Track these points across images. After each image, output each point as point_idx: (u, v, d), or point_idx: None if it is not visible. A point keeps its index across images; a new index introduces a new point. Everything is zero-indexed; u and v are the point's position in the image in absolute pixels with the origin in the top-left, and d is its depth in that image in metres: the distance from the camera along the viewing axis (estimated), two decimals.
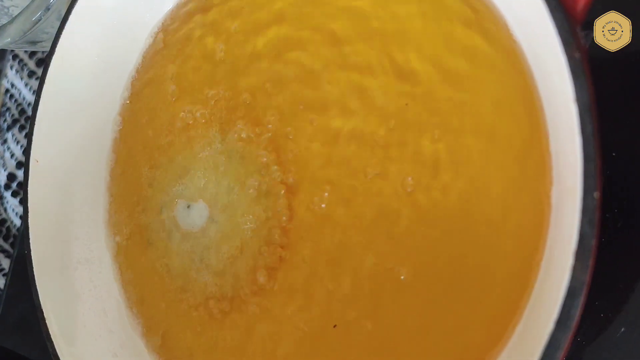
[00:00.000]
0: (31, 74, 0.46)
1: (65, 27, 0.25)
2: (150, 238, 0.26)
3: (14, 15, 0.35)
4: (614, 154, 0.25)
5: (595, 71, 0.17)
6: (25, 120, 0.46)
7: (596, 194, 0.16)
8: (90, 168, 0.27)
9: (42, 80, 0.26)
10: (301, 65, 0.24)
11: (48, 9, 0.27)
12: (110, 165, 0.28)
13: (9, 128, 0.47)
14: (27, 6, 0.27)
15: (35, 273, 0.25)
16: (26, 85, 0.46)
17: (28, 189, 0.26)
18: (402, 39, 0.21)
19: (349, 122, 0.21)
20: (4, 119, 0.48)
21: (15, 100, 0.47)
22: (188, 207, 0.25)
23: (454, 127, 0.20)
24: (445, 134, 0.20)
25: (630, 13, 0.19)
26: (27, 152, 0.26)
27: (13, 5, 0.35)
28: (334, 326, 0.21)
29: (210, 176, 0.25)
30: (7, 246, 0.46)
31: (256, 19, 0.24)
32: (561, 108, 0.17)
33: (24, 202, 0.26)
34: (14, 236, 0.46)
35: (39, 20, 0.27)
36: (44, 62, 0.26)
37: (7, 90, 0.48)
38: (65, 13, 0.26)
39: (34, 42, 0.30)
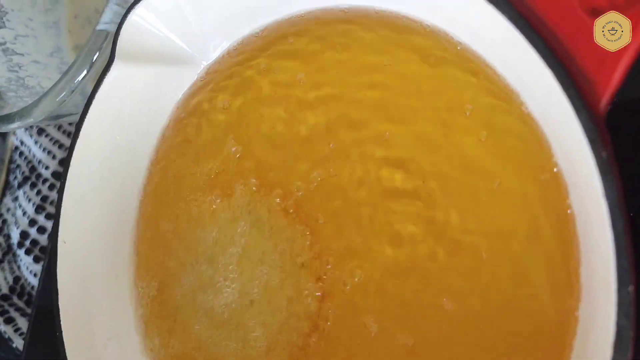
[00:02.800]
0: (40, 131, 0.46)
1: (90, 110, 0.26)
2: (177, 314, 0.27)
3: (30, 86, 0.36)
4: (631, 214, 0.26)
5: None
6: (36, 178, 0.47)
7: (631, 288, 0.16)
8: (114, 245, 0.28)
9: (67, 163, 0.26)
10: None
11: (72, 90, 0.27)
12: (134, 241, 0.28)
13: (19, 186, 0.48)
14: (52, 88, 0.28)
15: (67, 355, 0.25)
16: (36, 142, 0.47)
17: (57, 270, 0.26)
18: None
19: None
20: (14, 176, 0.48)
21: (25, 158, 0.48)
22: (215, 283, 0.26)
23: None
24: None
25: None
26: (54, 233, 0.26)
27: (29, 76, 0.35)
28: None
29: (238, 252, 0.25)
30: (22, 304, 0.46)
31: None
32: (589, 200, 0.18)
33: (53, 284, 0.26)
34: (29, 294, 0.46)
35: (64, 101, 0.28)
36: (69, 145, 0.26)
37: (16, 148, 0.48)
38: (89, 97, 0.26)
39: (55, 117, 0.30)
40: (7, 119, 0.30)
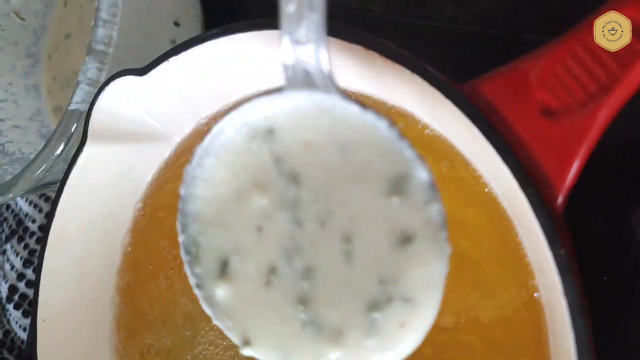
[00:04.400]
0: None
1: (64, 190, 0.26)
2: None
3: (10, 152, 0.36)
4: (605, 278, 0.26)
5: None
6: (24, 231, 0.47)
7: None
8: (94, 323, 0.28)
9: (43, 243, 0.26)
10: None
11: (48, 169, 0.27)
12: (113, 323, 0.28)
13: (7, 239, 0.48)
14: (28, 165, 0.28)
15: None
16: (22, 196, 0.47)
17: (37, 349, 0.26)
18: None
19: None
20: (1, 229, 0.48)
21: (12, 211, 0.48)
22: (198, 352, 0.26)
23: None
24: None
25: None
26: (33, 313, 0.26)
27: (9, 142, 0.35)
28: None
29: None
30: (12, 358, 0.46)
31: None
32: (553, 293, 0.18)
33: None
34: (19, 348, 0.46)
35: (40, 178, 0.28)
36: (45, 226, 0.26)
37: None
38: (63, 176, 0.26)
39: (40, 187, 0.30)
40: None
